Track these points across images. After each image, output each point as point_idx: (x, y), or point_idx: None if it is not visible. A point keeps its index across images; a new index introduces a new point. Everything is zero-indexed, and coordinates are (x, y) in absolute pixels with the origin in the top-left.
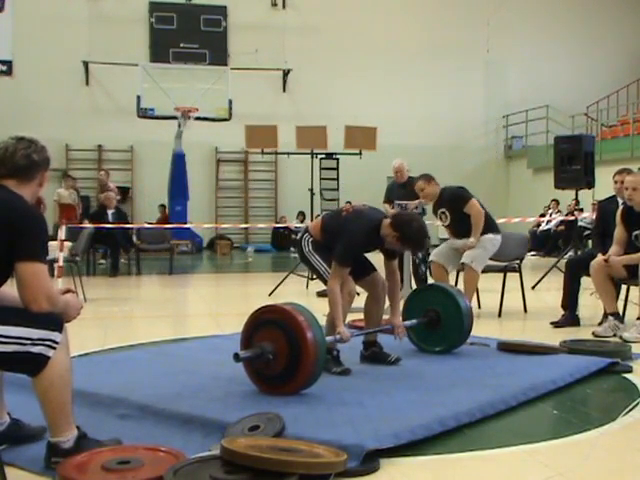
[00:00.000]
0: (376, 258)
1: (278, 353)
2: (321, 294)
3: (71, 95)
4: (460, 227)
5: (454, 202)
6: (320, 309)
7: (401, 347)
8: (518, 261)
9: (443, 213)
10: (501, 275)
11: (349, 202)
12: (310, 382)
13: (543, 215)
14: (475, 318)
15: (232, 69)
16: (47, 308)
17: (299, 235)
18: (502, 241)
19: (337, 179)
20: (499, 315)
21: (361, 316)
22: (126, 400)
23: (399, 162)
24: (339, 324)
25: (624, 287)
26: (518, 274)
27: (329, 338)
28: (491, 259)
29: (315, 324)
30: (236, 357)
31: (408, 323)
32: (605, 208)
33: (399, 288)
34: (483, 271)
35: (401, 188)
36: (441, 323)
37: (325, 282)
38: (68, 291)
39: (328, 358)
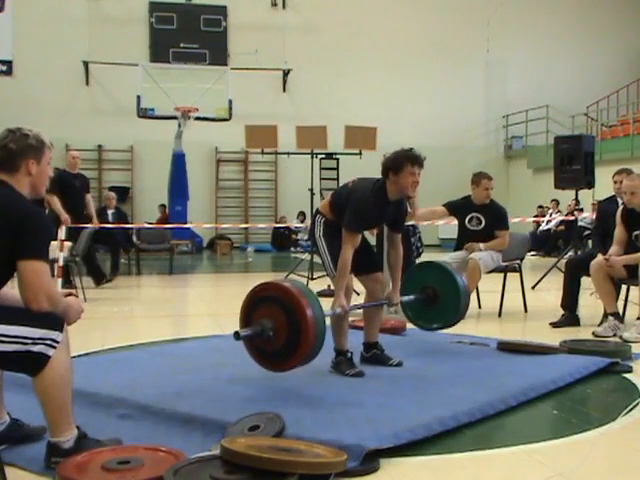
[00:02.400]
0: None
1: (278, 329)
2: (321, 294)
3: (71, 95)
4: (481, 238)
5: (498, 220)
6: None
7: (401, 348)
8: (519, 261)
9: (478, 219)
10: (501, 275)
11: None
12: (312, 357)
13: (538, 215)
14: (475, 318)
15: (232, 69)
16: (47, 307)
17: (312, 217)
18: None
19: (337, 179)
20: (499, 315)
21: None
22: (126, 400)
23: None
24: (339, 294)
25: (624, 287)
26: (518, 274)
27: (327, 312)
28: None
29: (313, 299)
30: (236, 335)
31: (405, 298)
32: (605, 208)
33: (401, 262)
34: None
35: None
36: (438, 300)
37: (327, 273)
38: (70, 294)
39: (342, 360)
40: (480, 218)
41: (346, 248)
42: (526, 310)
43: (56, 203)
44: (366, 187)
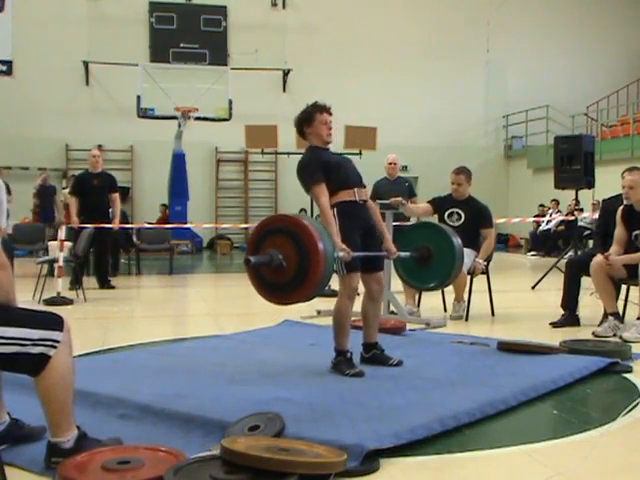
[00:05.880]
0: None
1: (287, 260)
2: (323, 294)
3: (71, 95)
4: (460, 234)
5: (480, 216)
6: (320, 307)
7: (401, 348)
8: (485, 262)
9: (458, 214)
10: (497, 275)
11: None
12: (318, 291)
13: (539, 215)
14: (475, 319)
15: (232, 69)
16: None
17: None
18: None
19: None
20: (466, 319)
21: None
22: (126, 400)
23: (395, 156)
24: (338, 240)
25: (624, 287)
26: (485, 276)
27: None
28: None
29: (324, 233)
30: (247, 262)
31: (402, 254)
32: (608, 207)
33: (379, 213)
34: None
35: (391, 185)
36: (432, 259)
37: (336, 270)
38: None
39: (342, 360)
40: (460, 213)
41: (320, 200)
42: (493, 314)
43: (72, 206)
44: (304, 152)
